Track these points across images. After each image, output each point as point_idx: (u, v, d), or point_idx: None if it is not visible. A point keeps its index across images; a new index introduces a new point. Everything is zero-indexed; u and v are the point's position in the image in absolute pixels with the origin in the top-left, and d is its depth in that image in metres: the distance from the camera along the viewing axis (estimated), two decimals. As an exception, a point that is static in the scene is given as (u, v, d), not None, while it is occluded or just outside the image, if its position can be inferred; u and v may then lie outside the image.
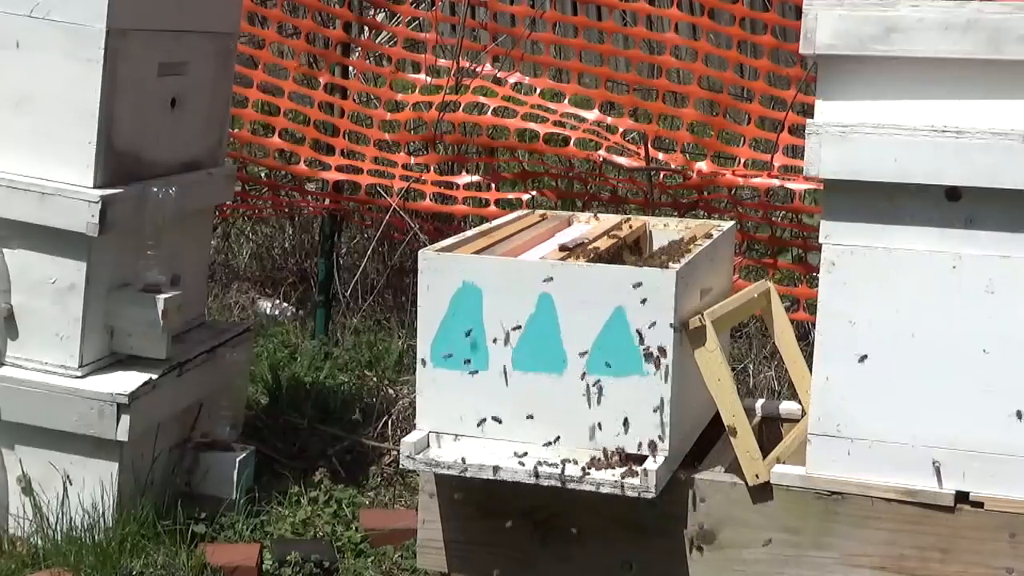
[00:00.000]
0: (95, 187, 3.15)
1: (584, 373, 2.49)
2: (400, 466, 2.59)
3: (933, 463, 2.46)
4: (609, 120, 4.83)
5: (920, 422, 2.46)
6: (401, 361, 4.60)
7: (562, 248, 2.69)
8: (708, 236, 2.82)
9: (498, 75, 4.86)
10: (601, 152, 4.61)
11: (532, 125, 4.72)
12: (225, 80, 3.70)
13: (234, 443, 3.60)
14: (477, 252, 2.61)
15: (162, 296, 3.26)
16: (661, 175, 4.76)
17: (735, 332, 4.53)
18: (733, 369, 3.58)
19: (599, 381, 2.48)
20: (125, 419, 3.15)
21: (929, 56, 2.39)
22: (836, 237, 2.47)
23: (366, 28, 5.42)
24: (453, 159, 5.07)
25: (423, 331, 2.56)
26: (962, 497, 2.47)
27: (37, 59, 3.16)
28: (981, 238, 2.41)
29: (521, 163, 4.99)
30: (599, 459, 2.50)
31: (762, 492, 2.55)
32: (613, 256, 2.72)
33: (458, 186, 4.80)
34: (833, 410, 2.51)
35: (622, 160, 4.60)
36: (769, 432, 2.95)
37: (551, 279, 2.49)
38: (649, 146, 4.56)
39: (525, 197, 4.72)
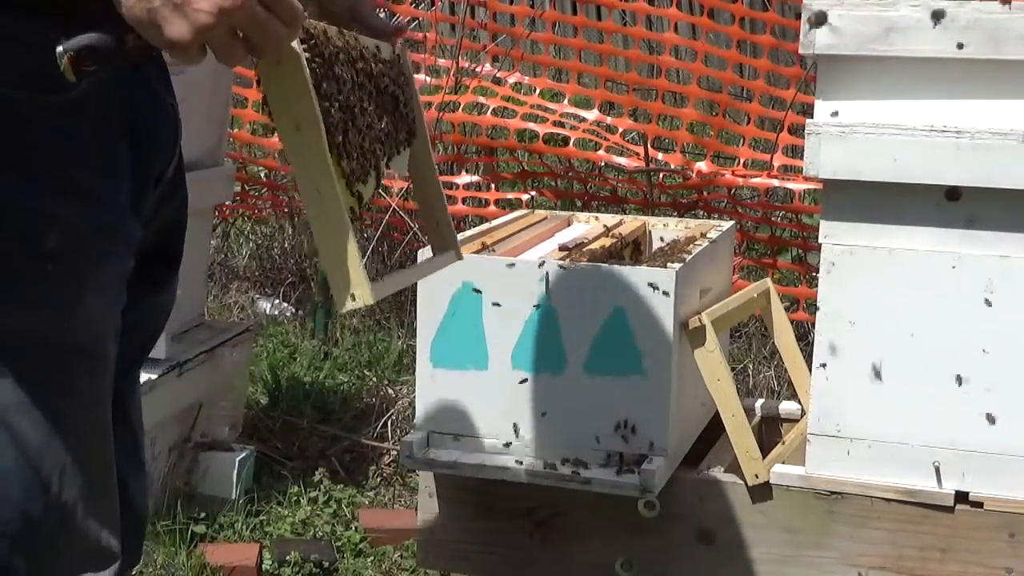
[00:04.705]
0: (95, 187, 3.14)
1: (584, 373, 2.49)
2: (400, 466, 2.59)
3: (933, 463, 2.46)
4: (609, 120, 4.83)
5: (920, 422, 2.46)
6: (401, 361, 4.60)
7: (562, 248, 2.68)
8: (708, 236, 2.82)
9: (498, 75, 4.87)
10: (601, 152, 4.61)
11: (532, 125, 4.72)
12: (225, 80, 3.70)
13: (234, 443, 3.60)
14: (477, 252, 2.60)
15: (162, 296, 3.26)
16: (661, 175, 4.77)
17: (735, 332, 4.53)
18: (733, 369, 3.58)
19: (599, 381, 2.48)
20: (125, 419, 3.14)
21: (929, 56, 2.39)
22: (836, 237, 2.47)
23: (366, 28, 5.41)
24: (452, 159, 5.07)
25: (423, 331, 2.56)
26: (962, 497, 2.46)
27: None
28: (981, 238, 2.40)
29: (521, 163, 4.99)
30: (599, 459, 2.50)
31: (762, 492, 2.55)
32: (613, 256, 2.71)
33: (457, 186, 4.80)
34: (833, 410, 2.51)
35: (622, 160, 4.60)
36: (769, 432, 2.95)
37: (551, 279, 2.49)
38: (649, 146, 4.56)
39: (525, 197, 4.72)
